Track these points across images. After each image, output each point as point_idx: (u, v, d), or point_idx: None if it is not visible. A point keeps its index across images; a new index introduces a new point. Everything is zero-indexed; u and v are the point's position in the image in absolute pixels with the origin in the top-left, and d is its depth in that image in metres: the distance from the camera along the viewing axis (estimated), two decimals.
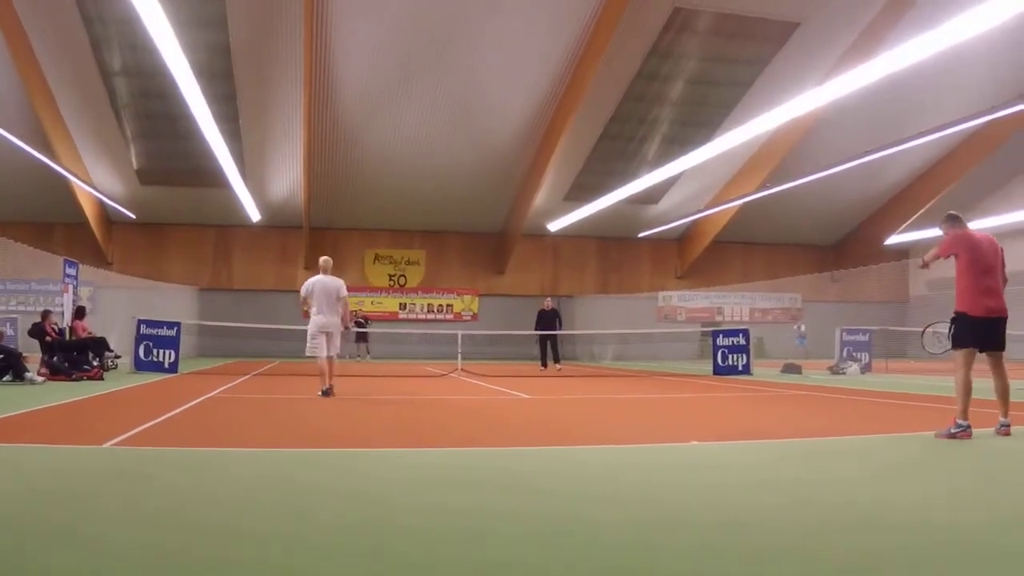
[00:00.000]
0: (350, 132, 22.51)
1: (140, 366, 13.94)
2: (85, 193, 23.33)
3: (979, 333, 5.93)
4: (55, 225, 25.57)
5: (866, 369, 17.29)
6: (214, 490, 3.87)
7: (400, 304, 28.97)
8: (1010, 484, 4.27)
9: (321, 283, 9.52)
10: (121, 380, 11.95)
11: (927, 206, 26.93)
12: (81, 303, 16.00)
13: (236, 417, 7.50)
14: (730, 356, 16.13)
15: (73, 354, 12.79)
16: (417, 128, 22.42)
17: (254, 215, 25.20)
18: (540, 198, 25.33)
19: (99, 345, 14.21)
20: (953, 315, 6.05)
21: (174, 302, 23.46)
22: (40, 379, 11.16)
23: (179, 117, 19.35)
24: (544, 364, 18.22)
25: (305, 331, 9.68)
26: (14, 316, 19.33)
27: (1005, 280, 6.07)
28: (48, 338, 12.94)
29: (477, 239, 29.01)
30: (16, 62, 17.96)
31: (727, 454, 5.31)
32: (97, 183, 23.33)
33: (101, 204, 25.07)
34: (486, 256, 29.21)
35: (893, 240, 28.63)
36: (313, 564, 2.55)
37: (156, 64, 14.92)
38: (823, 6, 19.30)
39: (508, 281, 29.26)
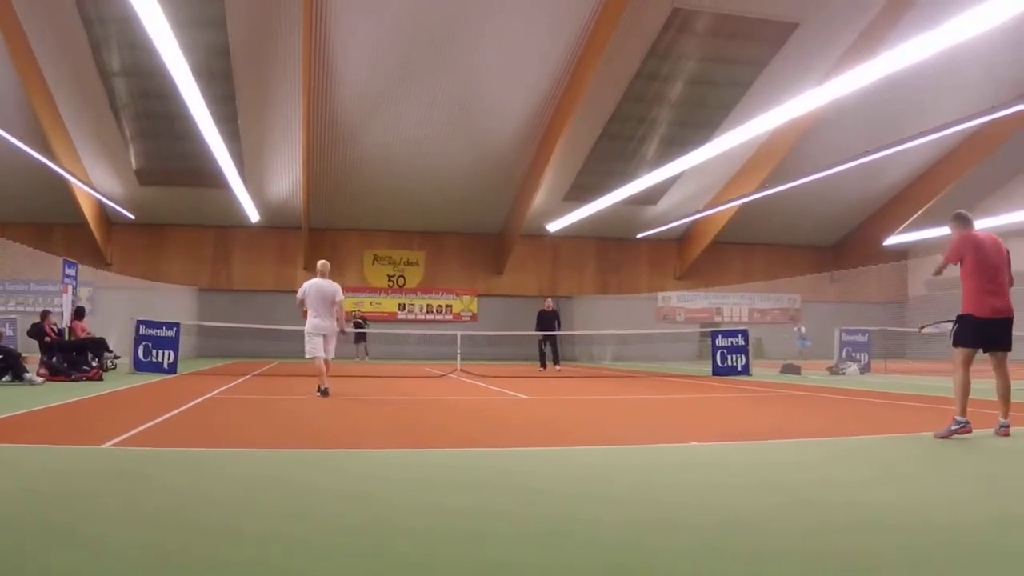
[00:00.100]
0: (349, 132, 22.51)
1: (139, 367, 13.93)
2: (84, 193, 23.32)
3: (983, 334, 5.93)
4: (54, 226, 25.55)
5: (865, 370, 17.29)
6: (213, 490, 3.87)
7: (399, 305, 28.97)
8: (1010, 484, 4.27)
9: (317, 286, 9.56)
10: (120, 381, 11.94)
11: (927, 206, 26.93)
12: (80, 303, 16.01)
13: (235, 418, 7.50)
14: (729, 357, 16.15)
15: (72, 355, 12.78)
16: (416, 128, 22.43)
17: (253, 216, 25.19)
18: (539, 198, 25.33)
19: (98, 346, 14.22)
20: (958, 315, 6.05)
21: (173, 303, 23.44)
22: (39, 379, 11.15)
23: (178, 118, 19.34)
24: (543, 365, 18.24)
25: (304, 332, 9.72)
26: (13, 317, 19.31)
27: (1011, 281, 6.06)
28: (47, 338, 12.94)
29: (476, 240, 29.02)
30: (15, 62, 17.94)
31: (726, 454, 5.31)
32: (96, 184, 23.32)
33: (100, 204, 25.07)
34: (485, 257, 29.21)
35: (892, 241, 28.63)
36: (313, 564, 2.55)
37: (155, 64, 14.90)
38: (822, 7, 19.31)
39: (507, 282, 29.26)
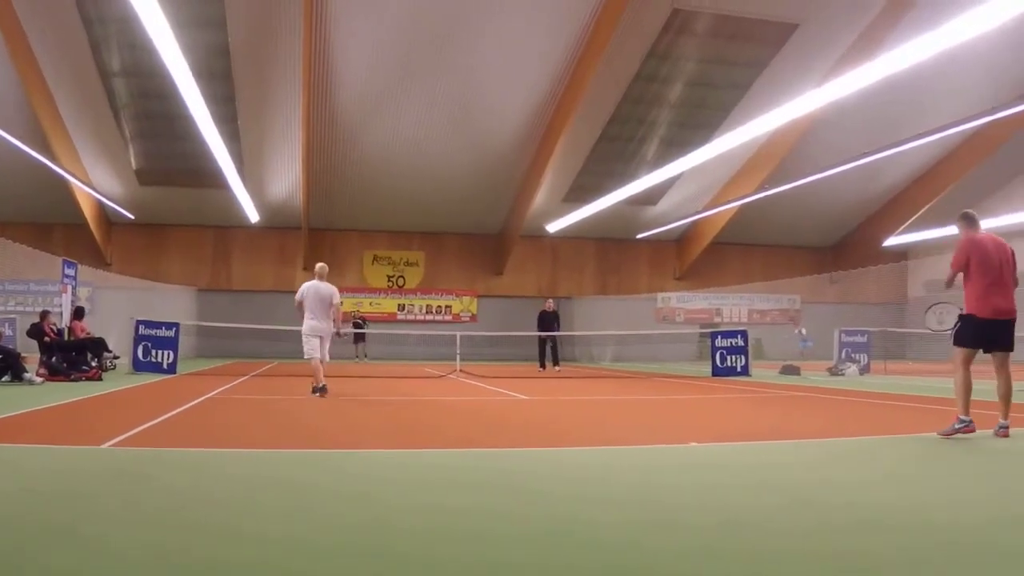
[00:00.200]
0: (349, 132, 22.51)
1: (139, 367, 13.93)
2: (84, 194, 23.31)
3: (985, 334, 5.93)
4: (54, 226, 25.54)
5: (864, 370, 17.30)
6: (213, 490, 3.87)
7: (399, 305, 28.96)
8: (1009, 485, 4.28)
9: (315, 288, 9.71)
10: (120, 381, 11.95)
11: (926, 207, 26.93)
12: (80, 303, 16.01)
13: (235, 418, 7.50)
14: (729, 357, 16.16)
15: (72, 354, 12.78)
16: (416, 128, 22.42)
17: (253, 216, 25.18)
18: (539, 199, 25.33)
19: (98, 346, 14.22)
20: (960, 315, 6.05)
21: (173, 303, 23.45)
22: (39, 379, 11.15)
23: (178, 118, 19.33)
24: (543, 365, 18.25)
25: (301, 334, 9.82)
26: (13, 316, 19.31)
27: (1015, 282, 6.06)
28: (47, 338, 12.94)
29: (476, 240, 29.01)
30: (15, 62, 17.93)
31: (726, 455, 5.31)
32: (96, 184, 23.31)
33: (100, 205, 25.05)
34: (485, 257, 29.21)
35: (892, 241, 28.63)
36: (312, 564, 2.55)
37: (155, 65, 14.90)
38: (822, 7, 19.31)
39: (507, 282, 29.25)
